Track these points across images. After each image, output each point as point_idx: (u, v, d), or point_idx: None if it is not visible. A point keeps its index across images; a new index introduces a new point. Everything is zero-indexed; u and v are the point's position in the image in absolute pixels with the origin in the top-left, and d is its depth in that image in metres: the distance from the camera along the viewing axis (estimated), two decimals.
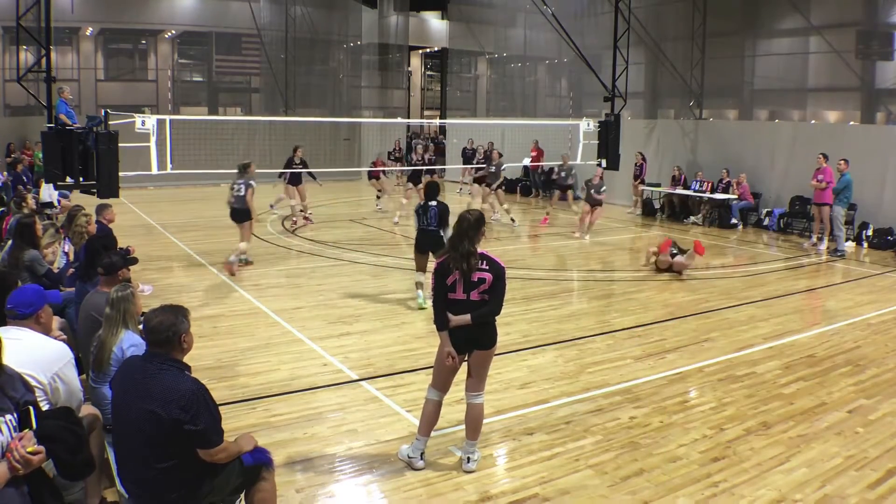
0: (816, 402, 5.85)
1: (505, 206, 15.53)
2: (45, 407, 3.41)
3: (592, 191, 13.91)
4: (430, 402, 4.64)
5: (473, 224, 4.46)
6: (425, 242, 8.28)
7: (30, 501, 2.75)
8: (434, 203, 8.21)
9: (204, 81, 28.13)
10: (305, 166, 14.48)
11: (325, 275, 10.45)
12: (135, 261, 5.40)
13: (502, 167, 15.47)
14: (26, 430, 2.76)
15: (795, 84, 18.69)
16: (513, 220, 15.38)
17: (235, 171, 10.31)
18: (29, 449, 2.69)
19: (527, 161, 19.16)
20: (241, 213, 10.10)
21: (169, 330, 3.27)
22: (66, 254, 7.35)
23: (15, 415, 2.82)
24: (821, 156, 13.02)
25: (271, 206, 15.61)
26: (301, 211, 14.76)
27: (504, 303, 4.51)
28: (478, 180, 17.20)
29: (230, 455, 3.38)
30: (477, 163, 18.53)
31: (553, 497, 4.29)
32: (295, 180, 14.42)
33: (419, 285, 8.57)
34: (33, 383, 3.40)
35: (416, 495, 4.30)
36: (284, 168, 14.47)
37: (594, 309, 9.02)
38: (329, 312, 8.33)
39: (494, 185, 15.44)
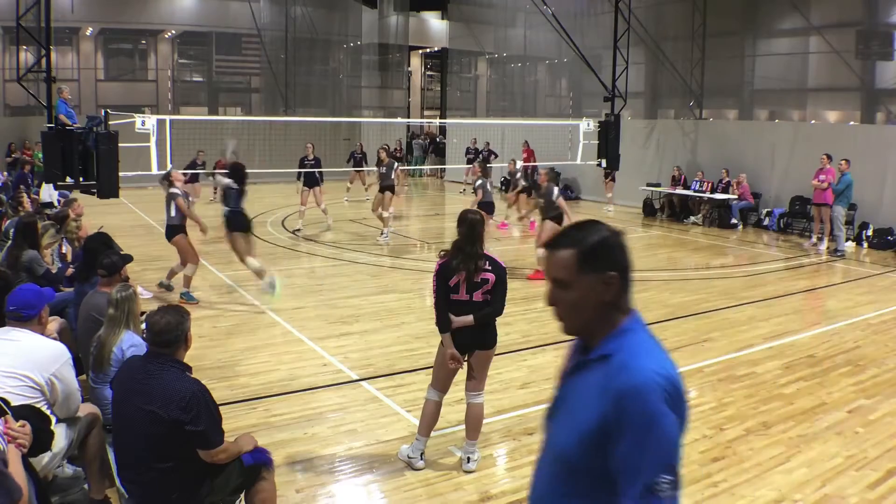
0: (816, 402, 5.86)
1: (387, 212, 13.34)
2: (42, 407, 3.43)
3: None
4: (429, 402, 4.64)
5: (481, 226, 4.47)
6: (242, 222, 8.65)
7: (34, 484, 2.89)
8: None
9: (204, 81, 28.11)
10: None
11: (325, 275, 10.46)
12: (130, 258, 5.37)
13: (394, 167, 13.89)
14: (5, 415, 2.90)
15: (795, 84, 18.70)
16: (383, 232, 13.33)
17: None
18: (17, 424, 2.85)
19: (519, 163, 19.00)
20: (169, 229, 8.75)
21: (177, 329, 3.31)
22: (63, 254, 7.33)
23: None
24: (824, 156, 13.02)
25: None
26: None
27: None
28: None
29: (230, 455, 3.38)
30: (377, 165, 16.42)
31: None
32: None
33: (262, 273, 8.53)
34: (30, 384, 3.42)
35: (416, 495, 4.30)
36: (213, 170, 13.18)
37: None
38: (329, 312, 8.34)
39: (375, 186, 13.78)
